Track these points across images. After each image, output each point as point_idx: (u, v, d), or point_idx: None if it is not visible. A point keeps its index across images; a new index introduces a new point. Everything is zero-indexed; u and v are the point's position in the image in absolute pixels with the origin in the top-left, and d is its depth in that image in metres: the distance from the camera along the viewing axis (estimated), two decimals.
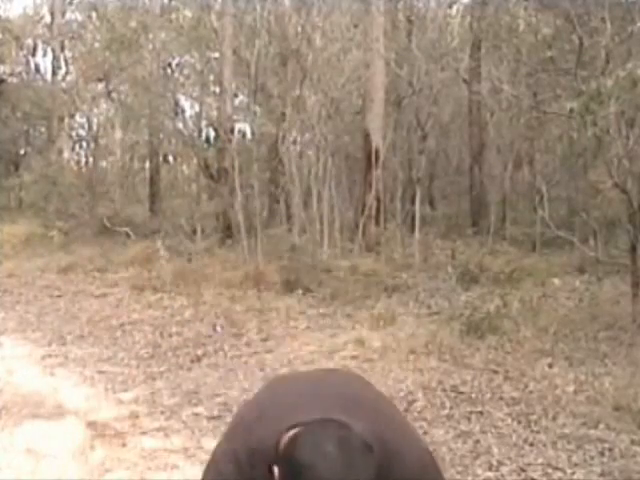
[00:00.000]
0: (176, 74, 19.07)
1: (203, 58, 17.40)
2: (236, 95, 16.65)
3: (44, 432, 4.88)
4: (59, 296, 10.18)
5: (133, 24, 18.17)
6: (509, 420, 5.08)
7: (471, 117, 16.89)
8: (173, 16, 18.70)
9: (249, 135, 15.72)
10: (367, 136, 13.50)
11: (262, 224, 12.56)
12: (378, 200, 13.24)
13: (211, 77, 17.59)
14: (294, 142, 13.53)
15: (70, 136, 22.16)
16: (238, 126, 15.69)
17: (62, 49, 22.53)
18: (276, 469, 1.59)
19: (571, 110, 8.15)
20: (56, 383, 6.13)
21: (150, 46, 17.07)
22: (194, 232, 13.47)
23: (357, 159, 14.66)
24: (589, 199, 12.04)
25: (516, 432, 4.85)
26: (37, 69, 24.15)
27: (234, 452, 1.76)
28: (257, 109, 15.05)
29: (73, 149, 23.24)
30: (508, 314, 7.61)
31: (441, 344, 6.82)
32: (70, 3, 23.08)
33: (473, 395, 5.62)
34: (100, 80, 20.39)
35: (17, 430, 4.94)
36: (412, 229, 13.35)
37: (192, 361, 6.85)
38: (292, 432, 1.59)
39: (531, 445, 4.64)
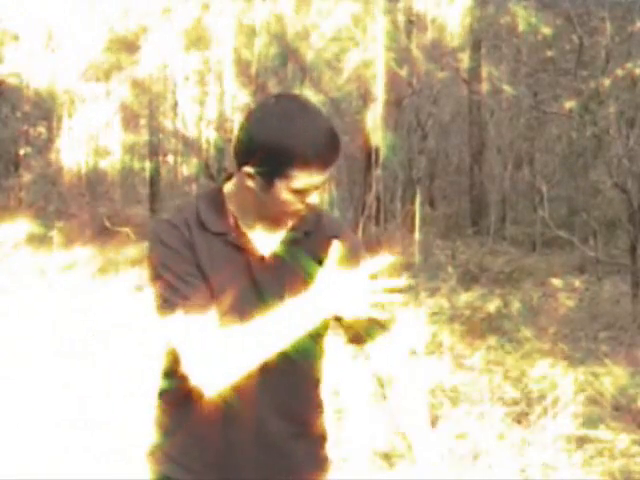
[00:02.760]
0: (176, 74, 19.06)
1: (203, 58, 17.40)
2: (236, 95, 16.64)
3: None
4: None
5: (133, 24, 18.18)
6: (509, 420, 5.08)
7: (471, 117, 16.89)
8: (173, 16, 18.70)
9: None
10: (367, 136, 13.50)
11: None
12: (378, 200, 13.24)
13: (211, 77, 17.60)
14: None
15: (70, 136, 22.16)
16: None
17: (62, 49, 22.54)
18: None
19: (571, 110, 8.16)
20: None
21: (150, 46, 17.08)
22: None
23: (357, 159, 14.65)
24: (589, 199, 12.05)
25: (516, 432, 4.85)
26: (37, 69, 24.15)
27: (168, 222, 1.87)
28: None
29: (73, 149, 23.24)
30: (508, 314, 7.61)
31: (441, 344, 6.82)
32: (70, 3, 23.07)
33: (473, 395, 5.62)
34: (100, 80, 20.39)
35: None
36: (412, 229, 13.35)
37: None
38: None
39: (531, 445, 4.64)
